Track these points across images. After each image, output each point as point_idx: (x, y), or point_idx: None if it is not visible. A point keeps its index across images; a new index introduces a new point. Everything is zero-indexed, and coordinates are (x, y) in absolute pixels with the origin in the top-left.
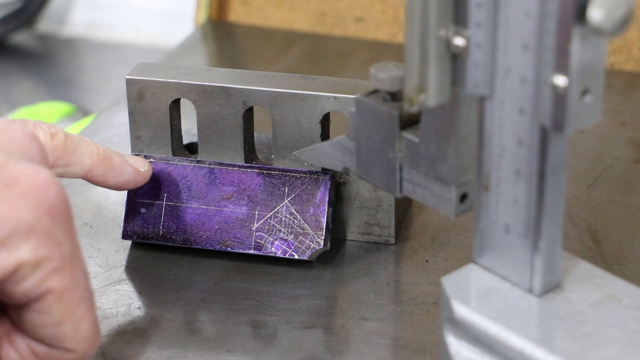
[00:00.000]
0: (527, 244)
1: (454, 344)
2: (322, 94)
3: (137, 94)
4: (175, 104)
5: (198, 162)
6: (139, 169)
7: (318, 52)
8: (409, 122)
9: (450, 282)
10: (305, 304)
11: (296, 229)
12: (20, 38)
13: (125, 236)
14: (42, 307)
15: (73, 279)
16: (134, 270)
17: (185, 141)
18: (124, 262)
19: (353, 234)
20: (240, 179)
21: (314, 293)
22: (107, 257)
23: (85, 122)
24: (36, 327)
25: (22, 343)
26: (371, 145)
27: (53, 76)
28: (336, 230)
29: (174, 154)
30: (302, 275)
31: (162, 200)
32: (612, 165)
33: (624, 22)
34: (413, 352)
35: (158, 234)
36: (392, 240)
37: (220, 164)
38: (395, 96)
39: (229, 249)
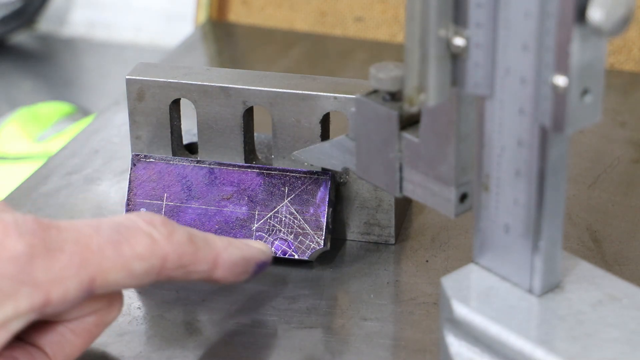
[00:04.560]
0: (527, 244)
1: (454, 344)
2: (322, 94)
3: (137, 94)
4: (175, 104)
5: (198, 162)
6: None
7: (318, 52)
8: (409, 122)
9: (450, 282)
10: (305, 304)
11: (296, 229)
12: (20, 38)
13: None
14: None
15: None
16: None
17: (185, 141)
18: None
19: (353, 234)
20: (240, 179)
21: (314, 293)
22: None
23: (85, 122)
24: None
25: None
26: (371, 145)
27: (53, 76)
28: (336, 230)
29: (174, 154)
30: (302, 275)
31: (162, 200)
32: (612, 165)
33: (624, 22)
34: (413, 352)
35: None
36: (392, 240)
37: (220, 164)
38: (395, 96)
39: None
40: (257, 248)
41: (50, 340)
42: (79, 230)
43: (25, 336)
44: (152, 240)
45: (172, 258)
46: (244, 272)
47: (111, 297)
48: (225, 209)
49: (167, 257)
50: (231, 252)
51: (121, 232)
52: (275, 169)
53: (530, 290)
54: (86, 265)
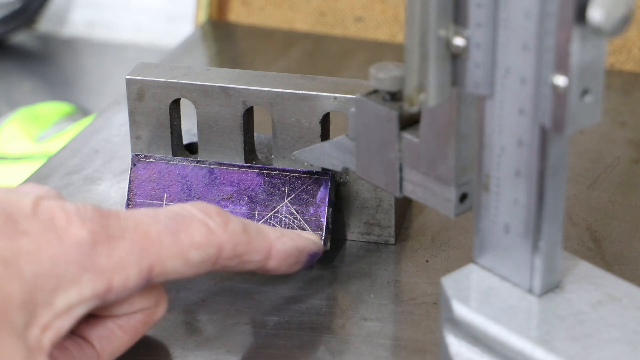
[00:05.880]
0: (527, 244)
1: (454, 344)
2: (322, 94)
3: (137, 94)
4: (175, 104)
5: (198, 162)
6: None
7: (318, 52)
8: (409, 122)
9: (450, 282)
10: (305, 304)
11: (296, 229)
12: (20, 38)
13: None
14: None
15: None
16: None
17: (185, 141)
18: None
19: (353, 234)
20: (240, 179)
21: (314, 293)
22: None
23: (85, 122)
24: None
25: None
26: (371, 145)
27: (53, 76)
28: (336, 230)
29: (174, 154)
30: (302, 275)
31: (162, 200)
32: (612, 165)
33: (624, 22)
34: (413, 352)
35: None
36: (392, 240)
37: (220, 164)
38: (395, 96)
39: None
40: (308, 239)
41: (99, 335)
42: (137, 219)
43: (76, 329)
44: (209, 229)
45: (227, 247)
46: (297, 263)
47: (158, 297)
48: (225, 209)
49: (223, 246)
50: (284, 243)
51: (178, 221)
52: (275, 169)
53: (530, 290)
54: (146, 253)
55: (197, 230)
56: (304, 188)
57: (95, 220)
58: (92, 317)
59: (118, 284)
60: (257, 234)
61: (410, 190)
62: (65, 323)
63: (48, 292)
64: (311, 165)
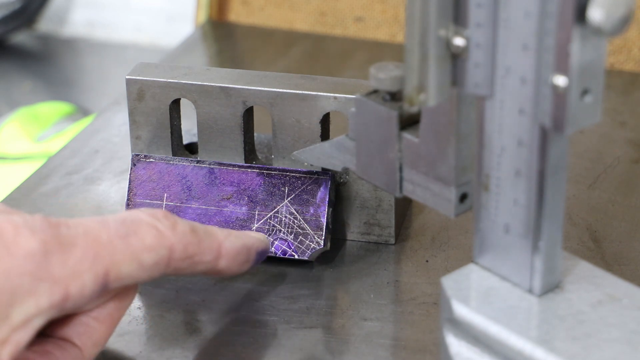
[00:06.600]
0: (527, 244)
1: (454, 344)
2: (322, 94)
3: (137, 94)
4: (175, 104)
5: (198, 162)
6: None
7: (318, 52)
8: (409, 122)
9: (450, 282)
10: (305, 304)
11: (296, 229)
12: (20, 38)
13: None
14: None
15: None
16: None
17: (185, 141)
18: None
19: (353, 234)
20: (240, 179)
21: (314, 293)
22: None
23: (85, 122)
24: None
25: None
26: (371, 145)
27: (53, 76)
28: (336, 230)
29: (174, 154)
30: (302, 275)
31: (162, 200)
32: (612, 165)
33: (624, 22)
34: (413, 352)
35: None
36: (392, 240)
37: (220, 164)
38: (395, 96)
39: None
40: (255, 237)
41: (77, 332)
42: (87, 226)
43: (53, 332)
44: (158, 231)
45: (178, 248)
46: (246, 261)
47: None
48: (225, 209)
49: (174, 247)
50: (232, 241)
51: (127, 225)
52: (275, 169)
53: (530, 290)
54: (99, 258)
55: (147, 233)
56: (304, 188)
57: (44, 229)
58: (66, 317)
59: (75, 291)
60: (205, 234)
61: (410, 190)
62: (24, 335)
63: (3, 307)
64: (311, 165)
